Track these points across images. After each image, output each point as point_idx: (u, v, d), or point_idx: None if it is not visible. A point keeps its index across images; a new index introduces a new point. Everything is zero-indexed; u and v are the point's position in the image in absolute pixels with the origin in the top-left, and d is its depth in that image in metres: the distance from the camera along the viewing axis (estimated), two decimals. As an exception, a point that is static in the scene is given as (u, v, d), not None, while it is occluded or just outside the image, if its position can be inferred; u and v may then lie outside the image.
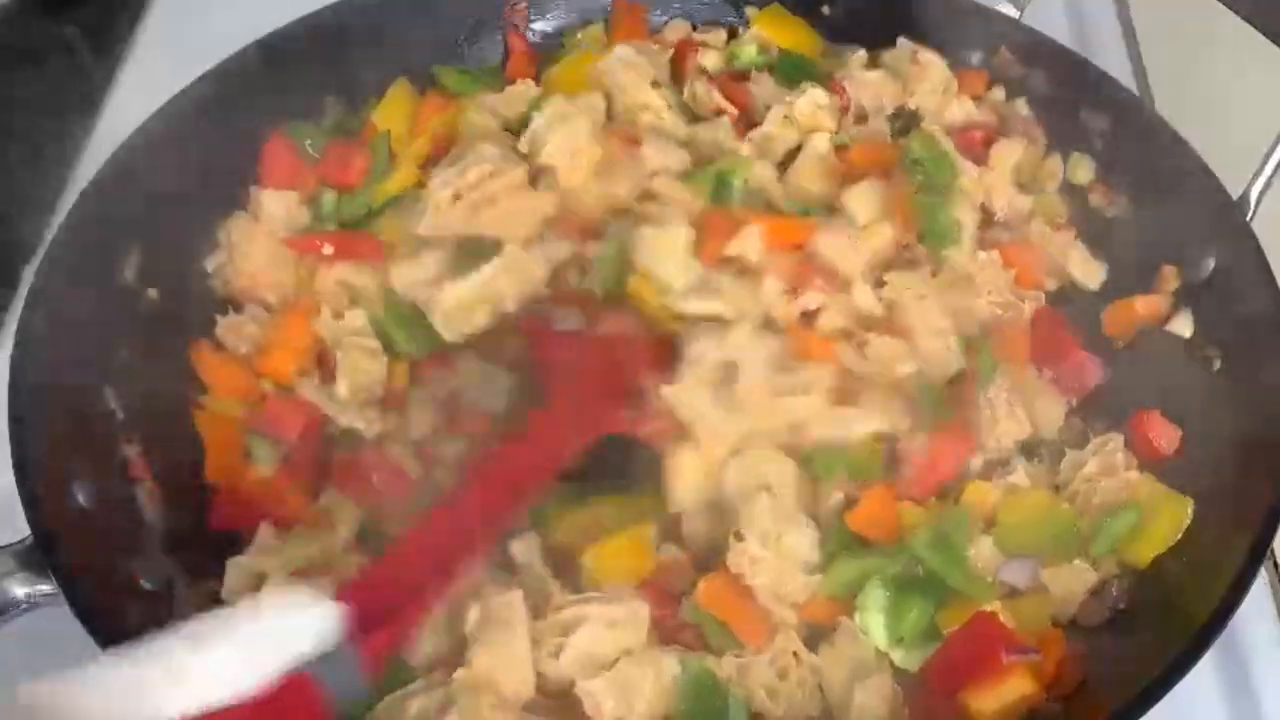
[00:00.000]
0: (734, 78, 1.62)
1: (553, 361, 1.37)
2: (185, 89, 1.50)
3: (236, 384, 1.42)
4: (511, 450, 1.26)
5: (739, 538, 1.23)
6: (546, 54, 1.71)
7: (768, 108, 1.55)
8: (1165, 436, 1.33)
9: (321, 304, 1.45)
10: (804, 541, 1.25)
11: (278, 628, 0.91)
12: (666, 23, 1.73)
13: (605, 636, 1.18)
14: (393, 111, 1.62)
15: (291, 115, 1.57)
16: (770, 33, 1.68)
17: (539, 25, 1.72)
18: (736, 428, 1.30)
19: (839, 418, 1.32)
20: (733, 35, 1.70)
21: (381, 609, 1.00)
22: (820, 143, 1.51)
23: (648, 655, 1.19)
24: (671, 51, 1.66)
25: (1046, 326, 1.44)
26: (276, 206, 1.51)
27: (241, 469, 1.37)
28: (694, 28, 1.72)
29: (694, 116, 1.60)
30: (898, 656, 1.22)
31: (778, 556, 1.23)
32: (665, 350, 1.36)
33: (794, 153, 1.53)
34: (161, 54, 1.95)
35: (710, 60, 1.65)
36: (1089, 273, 1.49)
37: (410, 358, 1.43)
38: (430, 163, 1.55)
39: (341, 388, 1.40)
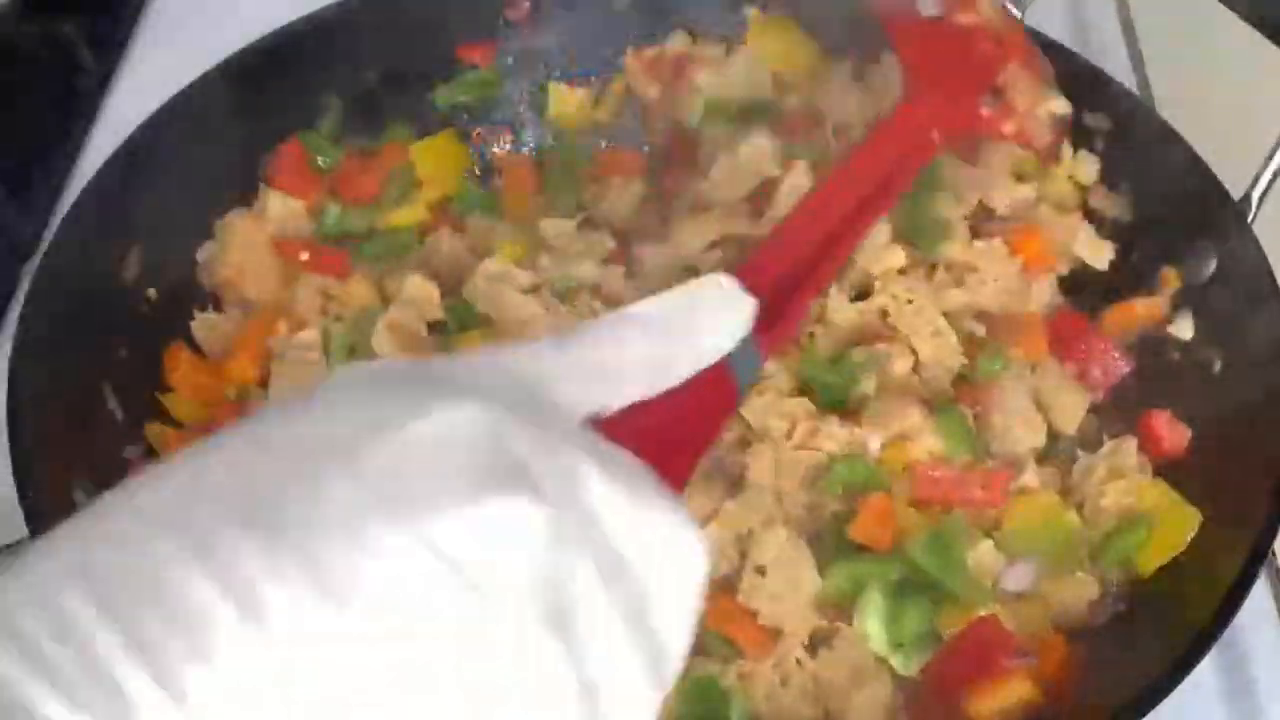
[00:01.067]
0: None
1: (915, 48, 1.33)
2: (185, 88, 1.50)
3: (201, 386, 1.42)
4: (878, 140, 1.21)
5: (761, 573, 1.23)
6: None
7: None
8: (1174, 436, 1.33)
9: (285, 315, 1.45)
10: (812, 577, 1.25)
11: (700, 321, 0.83)
12: (668, 35, 1.71)
13: None
14: (431, 154, 1.62)
15: (293, 115, 1.58)
16: (764, 45, 1.67)
17: (540, 28, 1.71)
18: None
19: (853, 435, 1.32)
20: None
21: (774, 292, 0.94)
22: (797, 177, 1.51)
23: None
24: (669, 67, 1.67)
25: (1067, 318, 1.45)
26: (281, 210, 1.52)
27: None
28: (694, 39, 1.71)
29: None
30: (897, 662, 1.22)
31: (791, 593, 1.24)
32: (1021, 44, 1.34)
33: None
34: (161, 54, 1.95)
35: (704, 79, 1.65)
36: (1096, 252, 1.49)
37: None
38: (438, 208, 1.58)
39: (270, 399, 1.39)
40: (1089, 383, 1.41)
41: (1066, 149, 1.53)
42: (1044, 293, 1.47)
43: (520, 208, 1.62)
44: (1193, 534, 1.25)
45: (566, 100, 1.70)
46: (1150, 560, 1.27)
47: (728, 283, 0.86)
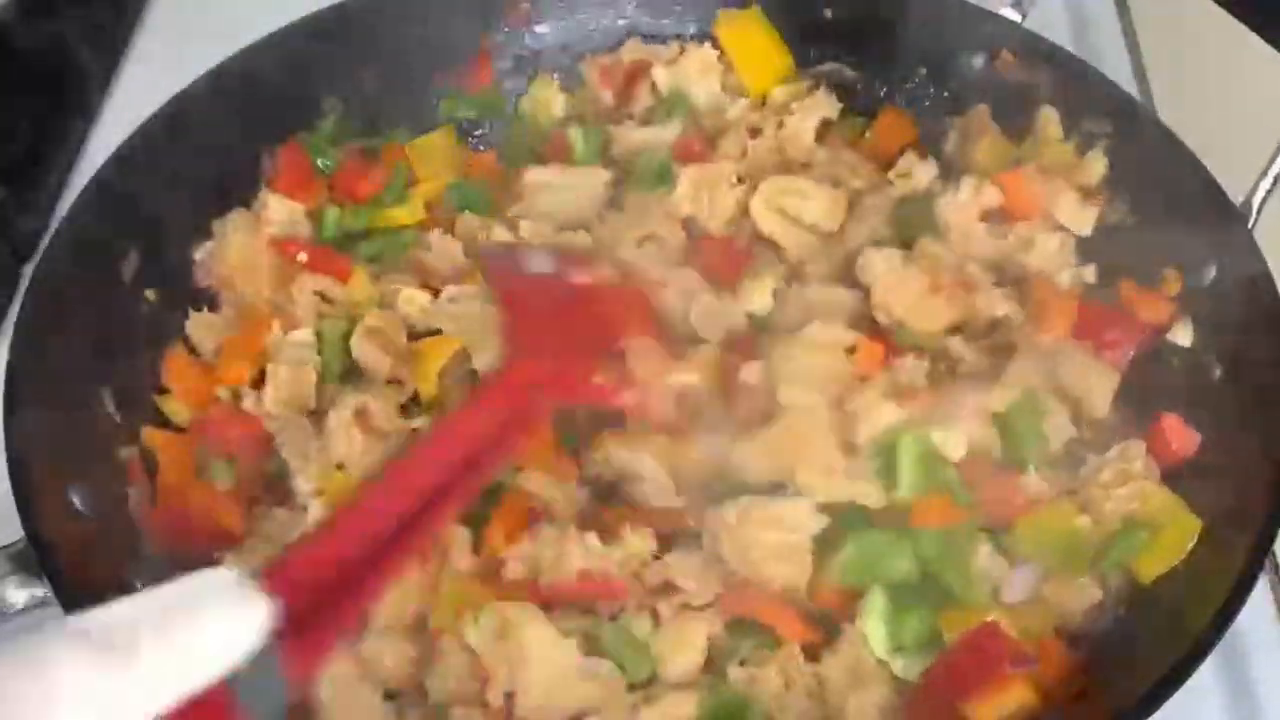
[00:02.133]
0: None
1: (518, 308, 1.22)
2: (185, 89, 1.50)
3: (194, 387, 1.41)
4: (463, 413, 1.12)
5: None
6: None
7: None
8: (1184, 440, 1.33)
9: (281, 316, 1.45)
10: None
11: (199, 632, 0.71)
12: (621, 42, 1.72)
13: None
14: (428, 151, 1.62)
15: (293, 116, 1.58)
16: (730, 43, 1.68)
17: (540, 29, 1.71)
18: None
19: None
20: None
21: (312, 600, 0.83)
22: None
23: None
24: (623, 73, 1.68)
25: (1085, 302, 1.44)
26: (281, 212, 1.51)
27: (191, 487, 1.34)
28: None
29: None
30: (898, 666, 1.22)
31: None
32: (645, 309, 1.24)
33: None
34: (161, 54, 1.95)
35: (661, 77, 1.67)
36: (1078, 219, 1.49)
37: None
38: (437, 206, 1.58)
39: (266, 398, 1.39)
40: (1113, 359, 1.40)
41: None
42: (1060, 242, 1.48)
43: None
44: (1193, 543, 1.25)
45: (546, 92, 1.71)
46: (1151, 568, 1.26)
47: (233, 579, 0.75)
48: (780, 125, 1.61)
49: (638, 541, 1.24)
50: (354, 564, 0.89)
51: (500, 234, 1.52)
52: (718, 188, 1.55)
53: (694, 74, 1.66)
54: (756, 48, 1.68)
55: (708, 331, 1.40)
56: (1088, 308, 1.42)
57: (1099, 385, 1.38)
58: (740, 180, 1.56)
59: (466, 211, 1.56)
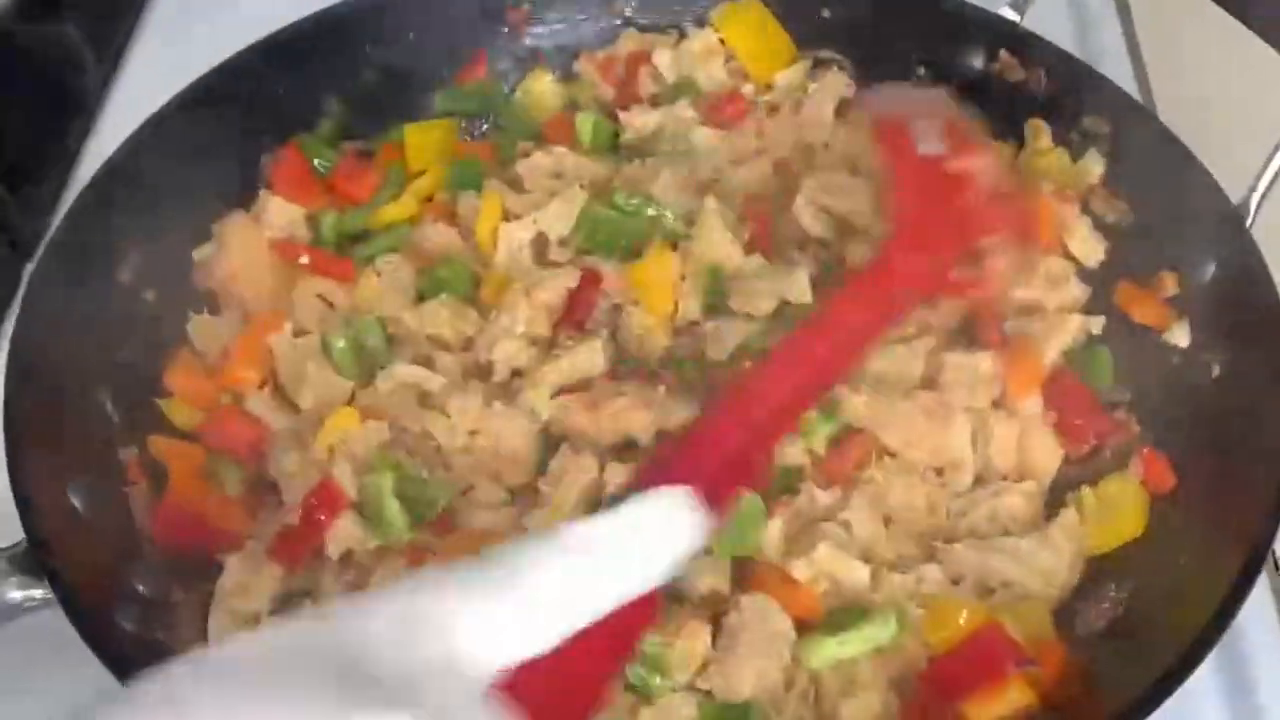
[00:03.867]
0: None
1: (907, 190, 1.22)
2: (185, 89, 1.49)
3: (199, 392, 1.41)
4: (846, 297, 1.13)
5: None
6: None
7: None
8: (1160, 476, 1.33)
9: (287, 318, 1.45)
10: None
11: (649, 547, 0.77)
12: (617, 28, 1.73)
13: None
14: (424, 135, 1.62)
15: (292, 117, 1.58)
16: (731, 34, 1.67)
17: (539, 29, 1.71)
18: None
19: None
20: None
21: (720, 470, 0.90)
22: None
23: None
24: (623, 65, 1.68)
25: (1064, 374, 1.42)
26: (281, 215, 1.51)
27: (204, 491, 1.34)
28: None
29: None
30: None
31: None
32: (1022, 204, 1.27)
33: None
34: (161, 54, 1.95)
35: (664, 62, 1.66)
36: (1088, 250, 1.48)
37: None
38: (429, 199, 1.57)
39: (305, 400, 1.39)
40: (1070, 438, 1.39)
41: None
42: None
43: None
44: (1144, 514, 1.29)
45: (541, 83, 1.70)
46: (1106, 540, 1.30)
47: (678, 498, 0.80)
48: (798, 107, 1.61)
49: None
50: (753, 436, 0.96)
51: (540, 157, 1.54)
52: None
53: (697, 58, 1.67)
54: (759, 38, 1.67)
55: None
56: (1067, 383, 1.42)
57: (1044, 457, 1.38)
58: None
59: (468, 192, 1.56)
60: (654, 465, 0.95)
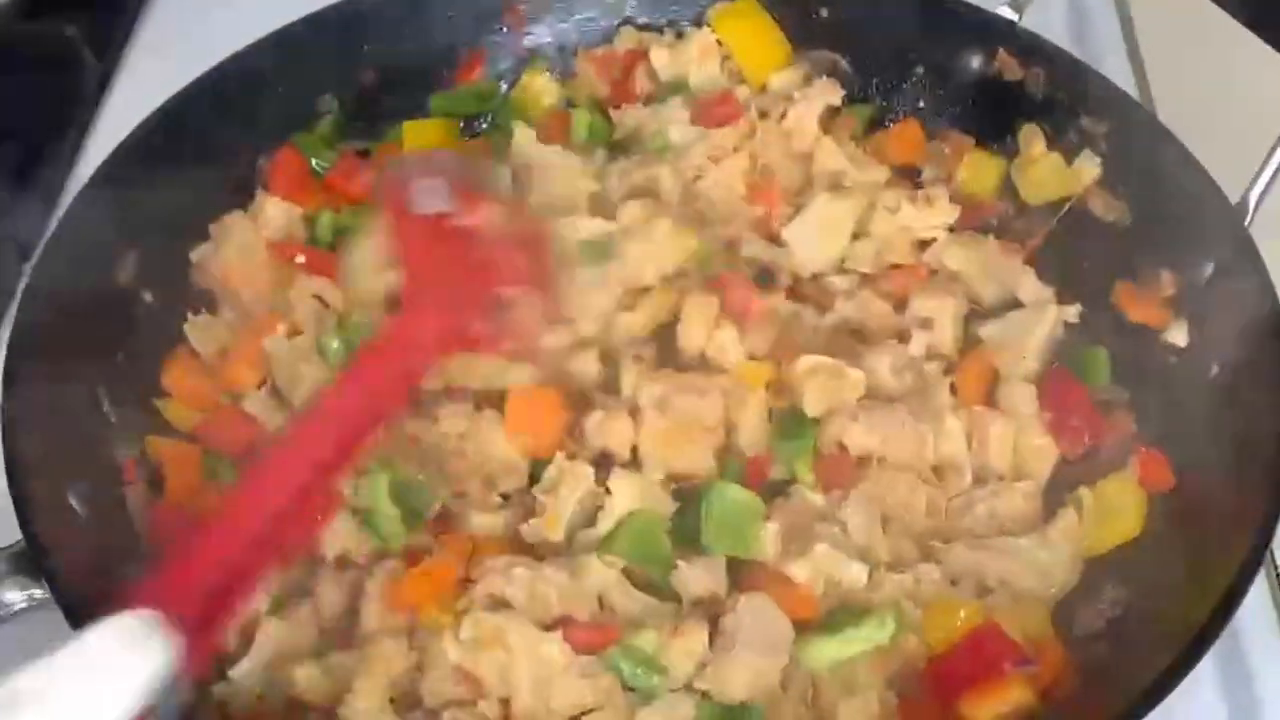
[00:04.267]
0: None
1: (412, 251, 1.20)
2: (182, 90, 1.50)
3: (197, 391, 1.41)
4: (352, 377, 1.12)
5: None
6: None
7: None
8: (1159, 477, 1.33)
9: (281, 319, 1.44)
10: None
11: (114, 674, 0.77)
12: (616, 30, 1.73)
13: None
14: (424, 133, 1.62)
15: (290, 117, 1.58)
16: (727, 35, 1.67)
17: (537, 29, 1.71)
18: None
19: None
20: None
21: (201, 602, 0.87)
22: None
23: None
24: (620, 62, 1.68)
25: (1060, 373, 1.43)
26: (279, 215, 1.51)
27: (202, 492, 1.33)
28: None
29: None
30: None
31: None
32: (542, 252, 1.23)
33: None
34: (161, 54, 1.95)
35: (660, 61, 1.66)
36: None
37: None
38: None
39: (300, 400, 1.39)
40: (1066, 440, 1.39)
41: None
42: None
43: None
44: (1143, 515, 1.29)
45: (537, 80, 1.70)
46: (1104, 540, 1.30)
47: (140, 626, 0.79)
48: (784, 115, 1.60)
49: (601, 568, 1.24)
50: (238, 561, 0.93)
51: None
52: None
53: (693, 58, 1.66)
54: (755, 37, 1.67)
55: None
56: (1062, 383, 1.42)
57: (1037, 458, 1.38)
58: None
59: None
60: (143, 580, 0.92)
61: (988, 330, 1.47)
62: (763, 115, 1.61)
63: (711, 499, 1.27)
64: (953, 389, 1.41)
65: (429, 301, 1.16)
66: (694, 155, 1.56)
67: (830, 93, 1.62)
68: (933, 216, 1.53)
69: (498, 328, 1.18)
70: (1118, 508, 1.32)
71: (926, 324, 1.45)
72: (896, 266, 1.53)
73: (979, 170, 1.58)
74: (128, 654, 0.78)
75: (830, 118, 1.62)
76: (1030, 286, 1.49)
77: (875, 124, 1.66)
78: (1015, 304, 1.49)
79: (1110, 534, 1.31)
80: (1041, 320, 1.44)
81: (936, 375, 1.41)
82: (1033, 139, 1.55)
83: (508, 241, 1.19)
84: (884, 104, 1.67)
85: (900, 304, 1.48)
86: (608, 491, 1.28)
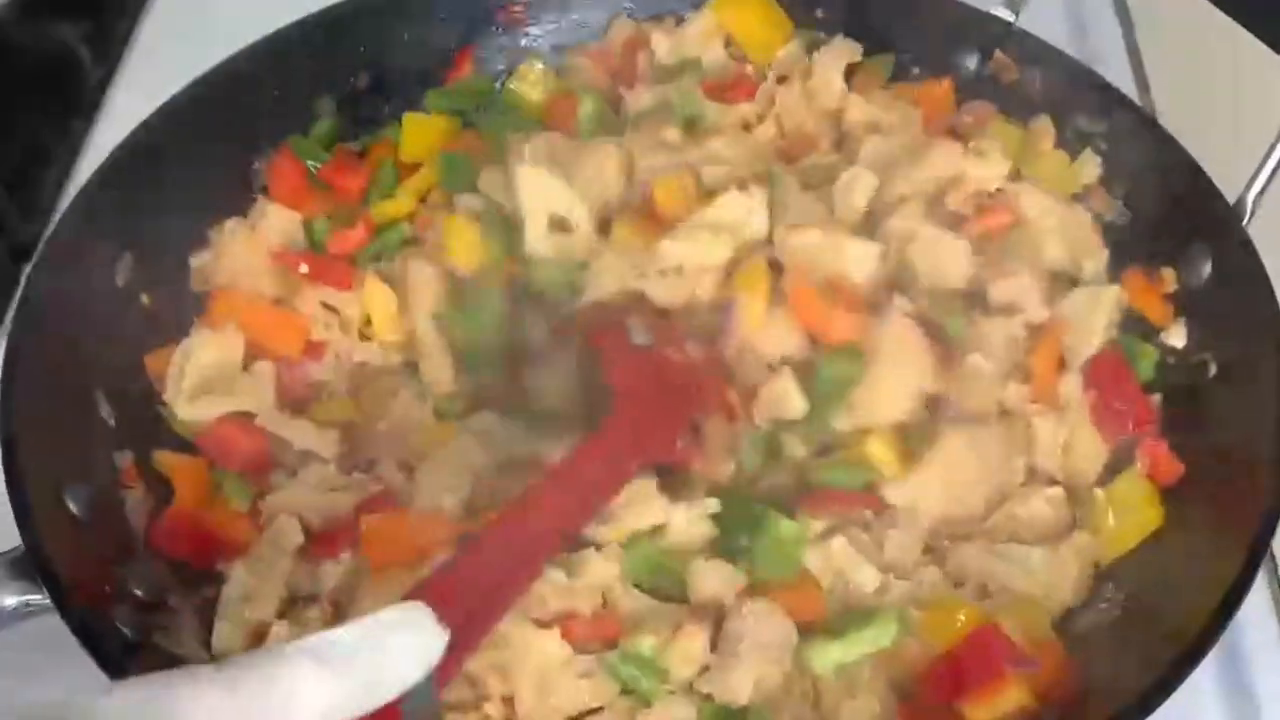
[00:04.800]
0: None
1: (623, 373, 1.36)
2: (183, 90, 1.50)
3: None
4: (583, 453, 1.24)
5: None
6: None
7: None
8: (1167, 468, 1.33)
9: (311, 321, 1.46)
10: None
11: (389, 653, 0.85)
12: (610, 21, 1.72)
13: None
14: (424, 127, 1.62)
15: (287, 119, 1.58)
16: (728, 18, 1.66)
17: (534, 30, 1.71)
18: None
19: None
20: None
21: (456, 617, 0.95)
22: None
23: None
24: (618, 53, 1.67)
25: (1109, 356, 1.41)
26: (279, 221, 1.51)
27: (210, 505, 1.34)
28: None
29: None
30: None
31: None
32: (721, 388, 1.38)
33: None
34: (161, 54, 1.96)
35: (662, 47, 1.65)
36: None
37: None
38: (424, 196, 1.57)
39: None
40: (1111, 428, 1.37)
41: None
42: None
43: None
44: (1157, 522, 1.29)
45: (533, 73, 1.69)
46: (1128, 538, 1.30)
47: (420, 614, 0.88)
48: (807, 75, 1.59)
49: (601, 566, 1.24)
50: (493, 583, 1.04)
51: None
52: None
53: (697, 41, 1.65)
54: (757, 20, 1.66)
55: None
56: (1111, 365, 1.39)
57: (1088, 453, 1.37)
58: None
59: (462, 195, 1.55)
60: (421, 582, 1.01)
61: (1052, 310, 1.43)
62: (781, 80, 1.60)
63: (765, 532, 1.27)
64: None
65: (643, 414, 1.31)
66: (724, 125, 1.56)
67: (848, 50, 1.60)
68: (986, 168, 1.49)
69: (691, 445, 1.34)
70: (1133, 504, 1.31)
71: (1010, 309, 1.42)
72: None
73: (1002, 140, 1.54)
74: (413, 635, 0.87)
75: (850, 76, 1.61)
76: (1099, 259, 1.47)
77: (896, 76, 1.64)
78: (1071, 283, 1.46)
79: (1131, 532, 1.30)
80: (1103, 300, 1.41)
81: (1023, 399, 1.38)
82: (1044, 134, 1.54)
83: (700, 371, 1.38)
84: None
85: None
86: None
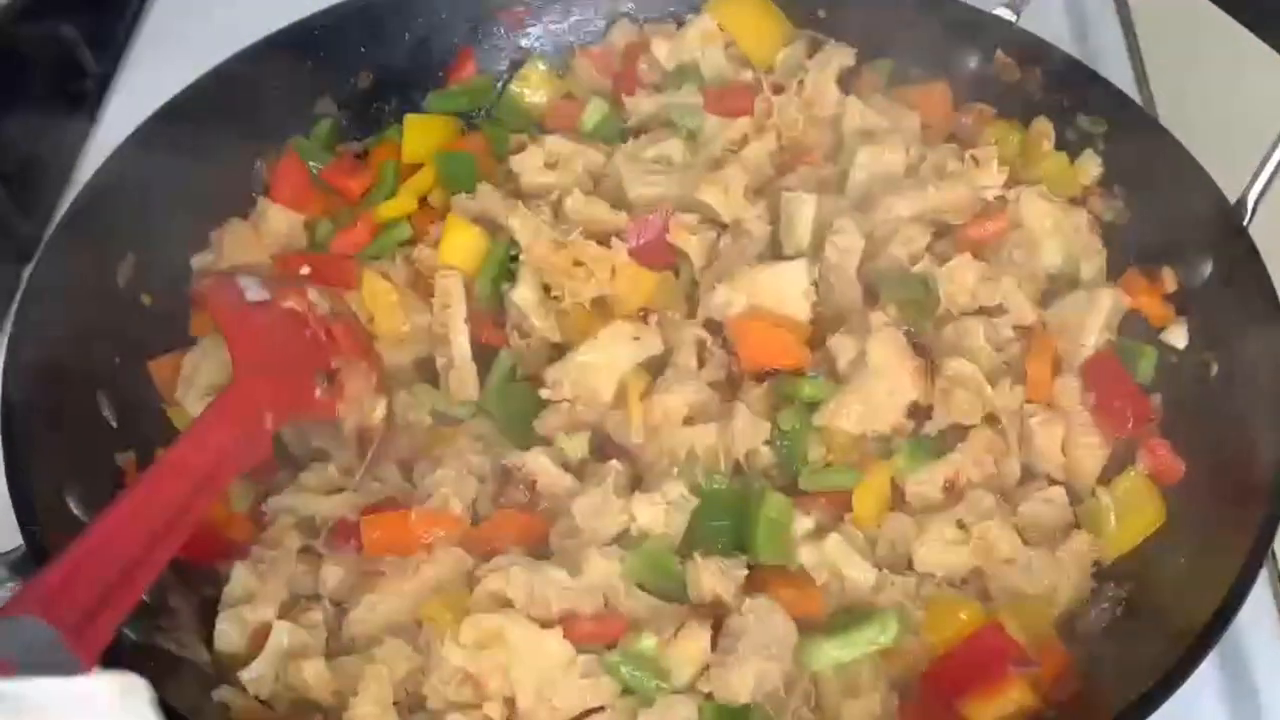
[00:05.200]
0: None
1: (242, 332, 1.35)
2: (183, 90, 1.50)
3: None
4: (196, 430, 1.24)
5: None
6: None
7: None
8: (1168, 467, 1.32)
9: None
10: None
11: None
12: (610, 26, 1.72)
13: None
14: (425, 126, 1.62)
15: (288, 120, 1.58)
16: (727, 20, 1.66)
17: (535, 30, 1.71)
18: None
19: None
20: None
21: (91, 596, 0.99)
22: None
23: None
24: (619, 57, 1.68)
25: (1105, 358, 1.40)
26: (281, 223, 1.52)
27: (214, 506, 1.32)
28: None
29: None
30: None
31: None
32: (357, 332, 1.39)
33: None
34: (161, 54, 1.95)
35: (662, 51, 1.65)
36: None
37: None
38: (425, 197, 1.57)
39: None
40: (1110, 426, 1.36)
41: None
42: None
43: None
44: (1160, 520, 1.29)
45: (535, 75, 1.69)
46: (1131, 536, 1.30)
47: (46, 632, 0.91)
48: (801, 85, 1.59)
49: (603, 565, 1.24)
50: (120, 569, 1.03)
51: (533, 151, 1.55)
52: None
53: (696, 45, 1.65)
54: (755, 21, 1.67)
55: None
56: (1109, 365, 1.39)
57: (1084, 458, 1.36)
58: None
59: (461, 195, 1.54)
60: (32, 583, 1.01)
61: (1048, 313, 1.43)
62: (778, 90, 1.60)
63: (762, 506, 1.27)
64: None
65: (267, 369, 1.31)
66: (714, 147, 1.56)
67: (842, 54, 1.61)
68: (984, 177, 1.49)
69: (329, 391, 1.36)
70: (1135, 504, 1.31)
71: (998, 310, 1.42)
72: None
73: (1001, 141, 1.55)
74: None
75: (849, 79, 1.61)
76: (1096, 263, 1.47)
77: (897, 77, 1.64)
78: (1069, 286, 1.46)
79: (1133, 531, 1.30)
80: (1099, 303, 1.40)
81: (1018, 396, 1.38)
82: (1044, 135, 1.54)
83: (328, 319, 1.38)
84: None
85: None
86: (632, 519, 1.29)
